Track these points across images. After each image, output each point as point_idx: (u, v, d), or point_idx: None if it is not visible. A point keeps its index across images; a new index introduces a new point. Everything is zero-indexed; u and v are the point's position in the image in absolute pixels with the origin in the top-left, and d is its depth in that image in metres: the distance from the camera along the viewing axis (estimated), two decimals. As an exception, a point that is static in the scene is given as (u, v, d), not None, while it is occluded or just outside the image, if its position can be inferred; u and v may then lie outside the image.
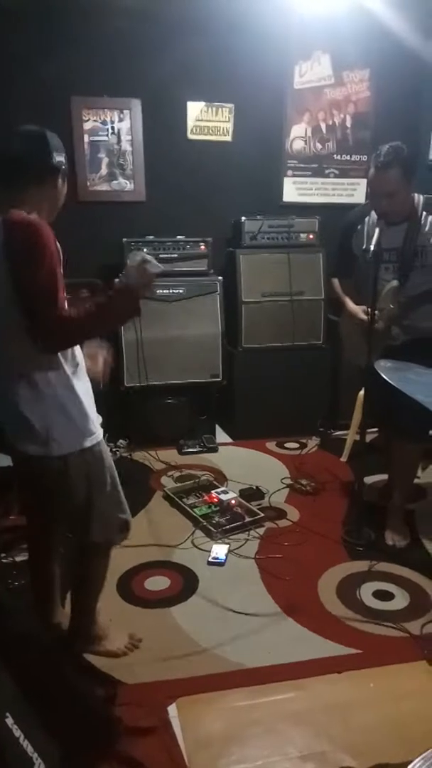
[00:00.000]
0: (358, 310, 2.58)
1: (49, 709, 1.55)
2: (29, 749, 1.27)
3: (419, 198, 2.43)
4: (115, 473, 1.77)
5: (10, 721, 1.26)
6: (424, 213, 2.40)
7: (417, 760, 0.91)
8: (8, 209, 1.51)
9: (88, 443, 1.65)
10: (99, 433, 1.70)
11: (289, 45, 3.85)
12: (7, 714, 1.27)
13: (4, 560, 2.46)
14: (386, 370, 1.76)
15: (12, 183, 1.56)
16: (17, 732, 1.27)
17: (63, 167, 1.62)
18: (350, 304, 2.67)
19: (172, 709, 1.72)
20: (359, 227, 2.57)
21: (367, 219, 2.54)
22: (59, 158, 1.60)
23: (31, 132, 1.58)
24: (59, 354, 1.59)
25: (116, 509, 1.78)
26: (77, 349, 1.67)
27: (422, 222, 2.40)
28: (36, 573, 2.00)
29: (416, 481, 2.89)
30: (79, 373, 1.67)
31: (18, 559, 2.44)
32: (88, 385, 1.71)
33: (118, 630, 2.01)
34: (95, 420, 1.70)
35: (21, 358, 1.56)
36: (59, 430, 1.60)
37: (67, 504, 1.71)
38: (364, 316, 2.49)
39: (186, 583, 2.34)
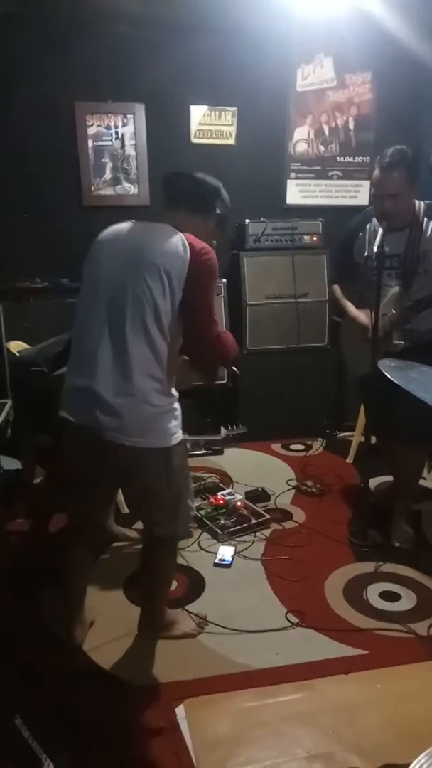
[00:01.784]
0: (360, 315, 2.58)
1: (58, 710, 1.56)
2: (38, 750, 1.28)
3: (420, 204, 2.44)
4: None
5: (19, 722, 1.28)
6: (426, 219, 2.41)
7: (421, 756, 0.91)
8: (166, 222, 1.81)
9: (181, 437, 1.81)
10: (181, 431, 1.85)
11: (291, 48, 3.87)
12: (17, 715, 1.28)
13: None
14: (389, 368, 1.75)
15: (176, 194, 1.92)
16: (26, 733, 1.28)
17: (216, 214, 1.92)
18: (352, 309, 2.67)
19: (180, 711, 1.72)
20: (360, 234, 2.58)
21: (368, 226, 2.54)
22: (217, 206, 1.92)
23: (215, 182, 1.96)
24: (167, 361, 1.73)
25: (192, 503, 1.95)
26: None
27: (424, 228, 2.40)
28: (68, 575, 2.01)
29: (422, 482, 2.89)
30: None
31: (22, 561, 2.46)
32: None
33: (182, 614, 2.13)
34: None
35: (156, 358, 1.70)
36: (173, 422, 1.77)
37: (161, 496, 1.80)
38: (365, 319, 2.49)
39: (192, 585, 2.35)
